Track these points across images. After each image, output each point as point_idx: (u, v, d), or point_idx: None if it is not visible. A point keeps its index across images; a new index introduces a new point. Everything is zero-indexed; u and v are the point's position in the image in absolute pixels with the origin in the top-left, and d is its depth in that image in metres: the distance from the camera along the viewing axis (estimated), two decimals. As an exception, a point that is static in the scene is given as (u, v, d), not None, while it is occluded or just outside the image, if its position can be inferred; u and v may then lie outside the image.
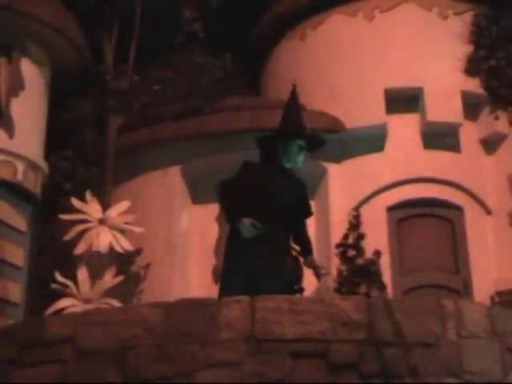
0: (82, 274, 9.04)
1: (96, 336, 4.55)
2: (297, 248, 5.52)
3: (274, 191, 5.30)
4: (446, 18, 10.06)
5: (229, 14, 10.75)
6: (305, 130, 5.50)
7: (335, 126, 9.68)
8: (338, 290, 8.84)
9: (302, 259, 5.47)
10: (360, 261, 9.03)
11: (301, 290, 5.33)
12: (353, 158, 9.78)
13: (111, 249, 9.21)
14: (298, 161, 5.44)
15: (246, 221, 5.11)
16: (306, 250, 5.51)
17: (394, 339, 4.40)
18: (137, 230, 9.39)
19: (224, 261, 5.41)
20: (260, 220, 5.17)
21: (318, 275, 5.41)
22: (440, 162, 9.60)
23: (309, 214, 5.69)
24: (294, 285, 5.27)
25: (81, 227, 9.20)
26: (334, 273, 9.11)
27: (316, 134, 5.70)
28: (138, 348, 4.43)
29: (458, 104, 9.62)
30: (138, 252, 9.67)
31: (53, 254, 9.47)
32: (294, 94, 5.61)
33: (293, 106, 5.57)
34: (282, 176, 5.41)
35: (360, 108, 9.61)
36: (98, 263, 9.25)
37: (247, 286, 4.99)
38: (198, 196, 9.97)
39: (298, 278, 5.35)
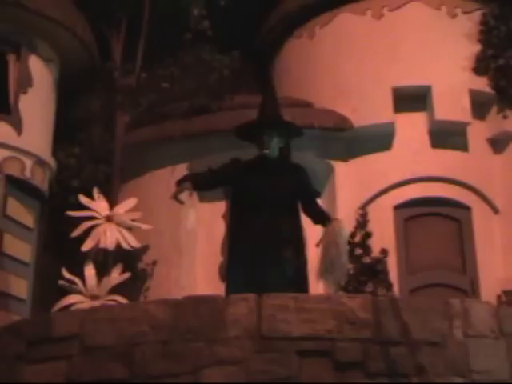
0: (89, 270, 9.06)
1: (103, 332, 4.56)
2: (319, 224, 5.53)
3: (261, 184, 5.32)
4: (454, 16, 10.04)
5: (237, 11, 10.74)
6: (267, 120, 5.50)
7: (343, 124, 9.67)
8: (344, 289, 8.83)
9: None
10: (367, 259, 9.02)
11: (304, 280, 5.29)
12: (360, 156, 9.76)
13: (118, 246, 9.23)
14: (268, 150, 5.41)
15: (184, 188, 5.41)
16: (323, 218, 5.47)
17: (400, 338, 4.40)
18: (144, 227, 9.40)
19: (227, 259, 5.43)
20: (255, 211, 5.20)
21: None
22: (448, 161, 9.58)
23: (313, 195, 5.62)
24: (294, 277, 5.22)
25: (88, 224, 9.22)
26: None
27: (282, 120, 5.61)
28: (145, 345, 4.44)
29: (466, 103, 9.60)
30: (145, 249, 9.68)
31: (60, 250, 9.50)
32: (269, 91, 5.70)
33: (266, 100, 5.67)
34: (270, 167, 5.43)
35: (368, 106, 9.59)
36: (104, 260, 9.28)
37: (250, 283, 4.98)
38: (204, 194, 9.94)
39: (300, 268, 5.30)
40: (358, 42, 10.05)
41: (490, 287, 9.18)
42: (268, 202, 5.29)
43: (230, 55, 10.34)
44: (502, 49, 9.81)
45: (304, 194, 5.51)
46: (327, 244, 5.28)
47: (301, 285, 5.24)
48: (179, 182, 5.49)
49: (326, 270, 5.23)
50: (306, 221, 5.61)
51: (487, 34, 9.92)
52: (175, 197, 5.40)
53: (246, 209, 5.33)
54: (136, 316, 4.56)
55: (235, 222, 5.47)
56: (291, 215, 5.40)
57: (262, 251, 5.17)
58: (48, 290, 9.20)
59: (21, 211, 9.10)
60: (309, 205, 5.51)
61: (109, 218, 9.35)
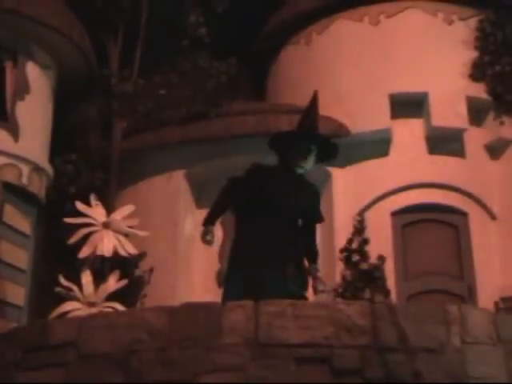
0: (86, 277, 9.05)
1: (99, 340, 4.54)
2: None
3: (280, 195, 5.21)
4: (451, 23, 10.07)
5: (234, 18, 10.77)
6: (314, 133, 5.34)
7: (340, 130, 9.67)
8: (342, 295, 8.82)
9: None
10: (364, 266, 9.02)
11: (304, 298, 5.25)
12: (357, 162, 9.77)
13: (115, 252, 9.22)
14: (303, 166, 5.30)
15: (208, 231, 5.22)
16: (310, 257, 5.44)
17: (398, 345, 4.39)
18: (141, 233, 9.39)
19: (228, 265, 5.39)
20: (264, 223, 5.16)
21: (314, 289, 5.34)
22: (445, 168, 9.59)
23: (318, 219, 5.57)
24: (296, 294, 5.16)
25: (85, 231, 9.22)
26: (338, 278, 9.10)
27: (326, 139, 5.44)
28: (142, 352, 4.42)
29: (462, 109, 9.62)
30: (142, 256, 9.67)
31: (57, 257, 9.48)
32: (313, 103, 5.58)
33: (310, 112, 5.49)
34: (293, 181, 5.29)
35: (365, 113, 9.61)
36: (101, 267, 9.27)
37: (248, 292, 4.94)
38: (202, 200, 9.96)
39: (301, 286, 5.27)
40: (354, 48, 10.07)
41: (487, 293, 9.19)
42: (279, 214, 5.21)
43: (227, 62, 10.35)
44: (499, 55, 9.84)
45: (312, 215, 5.46)
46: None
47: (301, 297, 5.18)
48: (204, 223, 5.39)
49: None
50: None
51: (484, 41, 9.96)
52: (202, 239, 5.33)
53: (254, 216, 5.25)
54: (133, 323, 4.55)
55: (240, 230, 5.39)
56: (295, 229, 5.36)
57: (263, 264, 5.12)
58: (45, 296, 9.18)
59: (17, 218, 9.09)
60: (309, 230, 5.46)
61: (106, 225, 9.34)
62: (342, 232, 9.33)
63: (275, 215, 5.18)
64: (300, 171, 5.33)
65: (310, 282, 5.35)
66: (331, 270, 8.97)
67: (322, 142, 5.37)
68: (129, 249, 9.32)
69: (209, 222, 5.34)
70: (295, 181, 5.31)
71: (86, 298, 8.94)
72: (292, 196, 5.25)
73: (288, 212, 5.23)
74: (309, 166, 5.33)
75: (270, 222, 5.17)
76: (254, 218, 5.22)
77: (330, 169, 9.74)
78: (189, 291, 9.37)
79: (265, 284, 5.01)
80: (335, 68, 10.16)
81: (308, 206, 5.36)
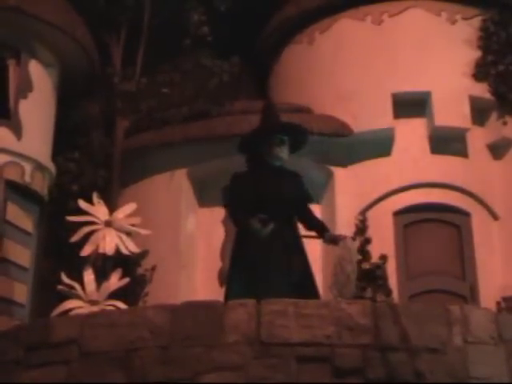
0: (88, 275, 9.05)
1: (101, 338, 4.55)
2: (313, 234, 5.53)
3: (267, 193, 5.29)
4: (454, 22, 10.06)
5: (237, 17, 10.76)
6: (281, 123, 5.51)
7: (342, 129, 9.68)
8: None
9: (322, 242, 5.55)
10: (366, 265, 9.02)
11: (314, 292, 5.26)
12: (360, 162, 9.77)
13: (117, 251, 9.22)
14: (281, 156, 5.42)
15: (254, 222, 5.13)
16: (320, 229, 5.51)
17: (399, 344, 4.39)
18: (143, 232, 9.39)
19: (230, 263, 5.40)
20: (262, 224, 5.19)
21: (337, 242, 5.39)
22: (447, 167, 9.58)
23: (308, 199, 5.65)
24: (302, 286, 5.19)
25: (87, 229, 9.21)
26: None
27: (295, 124, 5.60)
28: (143, 350, 4.43)
29: (465, 109, 9.61)
30: (144, 254, 9.67)
31: (59, 255, 9.49)
32: (268, 107, 5.69)
33: (268, 110, 5.65)
34: (273, 175, 5.40)
35: (368, 112, 9.60)
36: (104, 265, 9.27)
37: (251, 290, 4.95)
38: (204, 199, 9.97)
39: (307, 278, 5.29)
40: (357, 47, 10.06)
41: (489, 293, 9.18)
42: (273, 210, 5.26)
43: (229, 60, 10.35)
44: (502, 55, 9.83)
45: (302, 200, 5.52)
46: (343, 260, 5.30)
47: (310, 292, 5.19)
48: (241, 223, 5.35)
49: (343, 286, 5.24)
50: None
51: (487, 40, 9.94)
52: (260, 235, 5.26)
53: (253, 215, 5.28)
54: (135, 321, 4.56)
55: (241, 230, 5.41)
56: (292, 224, 5.41)
57: (266, 261, 5.14)
58: (47, 295, 9.18)
59: (20, 216, 9.09)
60: (305, 210, 5.53)
61: (108, 223, 9.34)
62: (344, 231, 9.27)
63: (271, 212, 5.21)
64: (278, 163, 5.43)
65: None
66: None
67: (293, 129, 5.50)
68: (131, 247, 9.32)
69: (245, 219, 5.25)
70: (276, 174, 5.42)
71: (88, 296, 8.94)
72: (278, 190, 5.34)
73: (280, 206, 5.29)
74: (285, 156, 5.44)
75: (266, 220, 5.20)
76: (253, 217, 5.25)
77: (333, 168, 9.75)
78: (191, 290, 9.37)
79: (269, 282, 5.02)
80: (338, 67, 10.15)
81: (295, 193, 5.45)
